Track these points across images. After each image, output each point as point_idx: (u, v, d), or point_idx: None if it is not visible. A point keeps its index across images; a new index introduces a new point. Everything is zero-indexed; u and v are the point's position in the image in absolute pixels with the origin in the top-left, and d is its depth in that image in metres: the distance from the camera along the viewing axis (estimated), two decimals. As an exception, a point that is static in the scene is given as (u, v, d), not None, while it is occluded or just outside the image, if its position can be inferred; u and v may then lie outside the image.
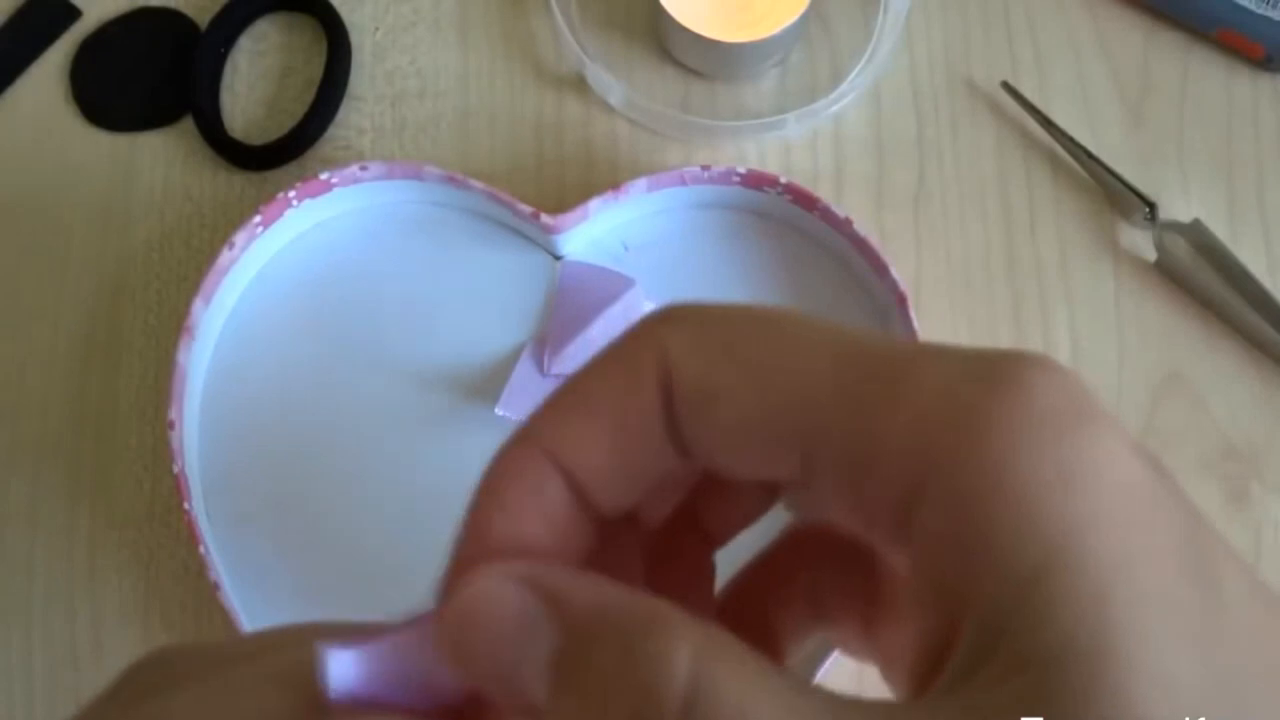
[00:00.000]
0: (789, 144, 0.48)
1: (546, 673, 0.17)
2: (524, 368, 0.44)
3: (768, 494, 0.22)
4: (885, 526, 0.17)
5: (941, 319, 0.46)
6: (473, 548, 0.19)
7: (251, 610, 0.41)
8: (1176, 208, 0.47)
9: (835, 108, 0.47)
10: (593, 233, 0.46)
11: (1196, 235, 0.46)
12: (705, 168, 0.44)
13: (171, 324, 0.45)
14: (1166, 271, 0.46)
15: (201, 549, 0.41)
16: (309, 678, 0.18)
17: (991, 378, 0.17)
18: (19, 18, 0.51)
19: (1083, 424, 0.16)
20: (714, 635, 0.16)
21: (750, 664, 0.16)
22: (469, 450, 0.44)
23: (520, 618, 0.17)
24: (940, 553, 0.16)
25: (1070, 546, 0.15)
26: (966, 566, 0.16)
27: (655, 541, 0.22)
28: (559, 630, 0.17)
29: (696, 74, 0.49)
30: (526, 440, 0.20)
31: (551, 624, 0.17)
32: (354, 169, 0.45)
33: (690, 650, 0.16)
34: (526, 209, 0.44)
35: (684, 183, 0.45)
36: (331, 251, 0.46)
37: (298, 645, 0.19)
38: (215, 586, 0.41)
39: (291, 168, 0.48)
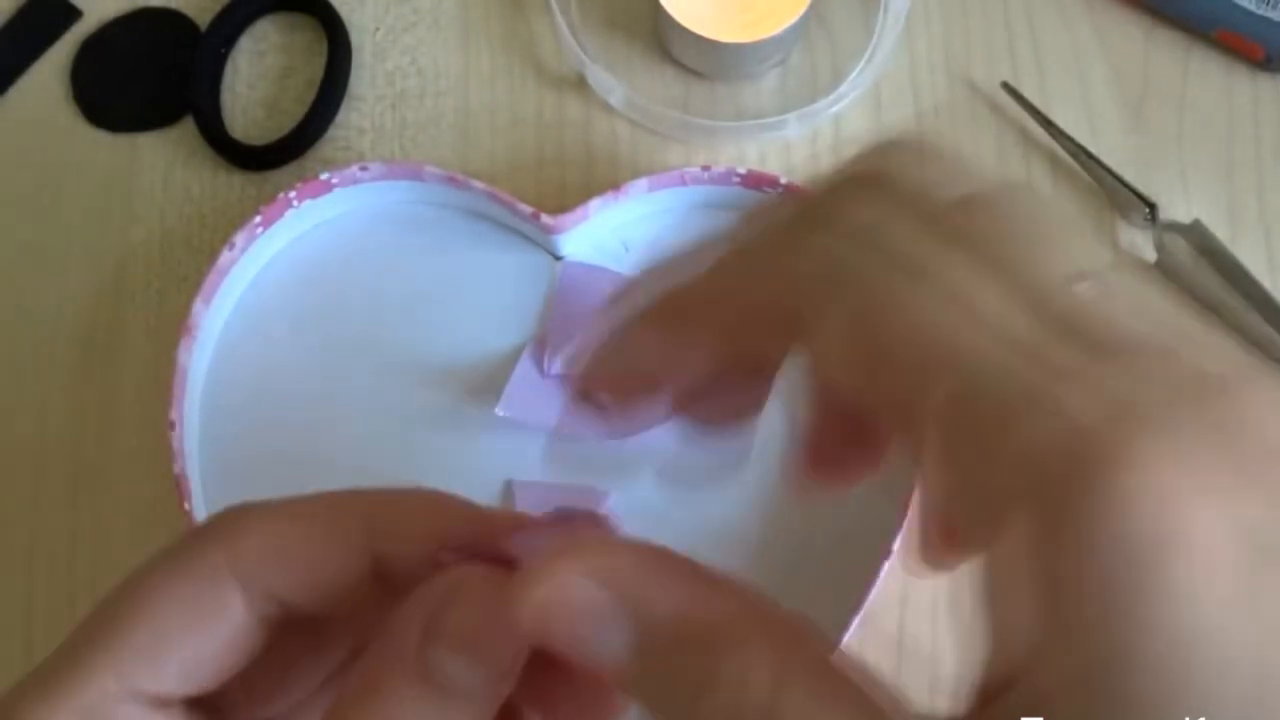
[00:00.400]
0: (789, 144, 0.48)
1: (624, 677, 0.17)
2: (524, 368, 0.44)
3: None
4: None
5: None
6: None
7: (251, 610, 0.41)
8: (1176, 208, 0.47)
9: (835, 108, 0.47)
10: (593, 233, 0.46)
11: (1197, 236, 0.46)
12: (705, 168, 0.44)
13: (171, 324, 0.45)
14: (1167, 272, 0.46)
15: (201, 549, 0.41)
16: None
17: (1107, 443, 0.15)
18: (19, 18, 0.51)
19: (1162, 563, 0.14)
20: (793, 651, 0.16)
21: (829, 682, 0.16)
22: (469, 450, 0.44)
23: (598, 620, 0.17)
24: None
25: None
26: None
27: None
28: (637, 636, 0.17)
29: (697, 74, 0.49)
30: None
31: (629, 629, 0.17)
32: (354, 169, 0.45)
33: (769, 670, 0.16)
34: (526, 209, 0.44)
35: (684, 183, 0.45)
36: (332, 251, 0.46)
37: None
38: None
39: (292, 168, 0.48)
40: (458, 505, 0.22)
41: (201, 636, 0.21)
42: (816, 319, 0.18)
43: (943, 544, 0.19)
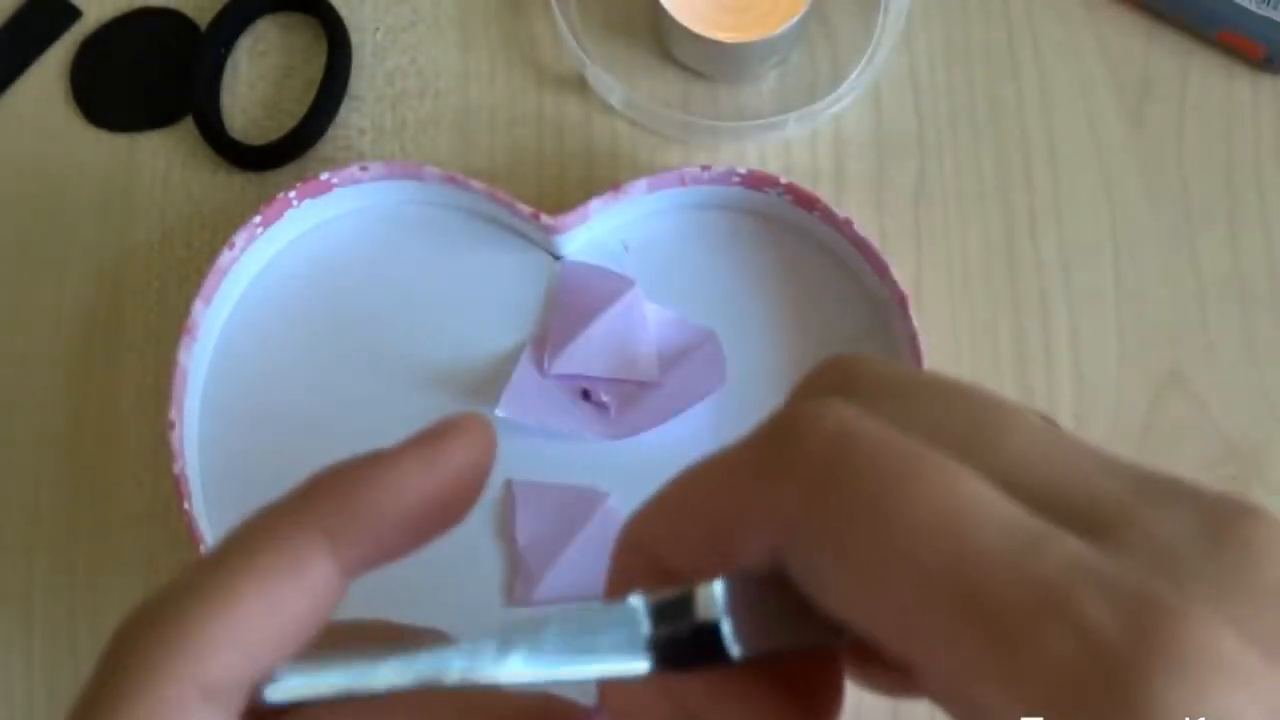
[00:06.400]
0: (789, 144, 0.48)
1: None
2: (524, 368, 0.44)
3: None
4: None
5: (942, 319, 0.46)
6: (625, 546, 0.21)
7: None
8: (1176, 208, 0.47)
9: (835, 108, 0.47)
10: (593, 233, 0.46)
11: (1196, 236, 0.46)
12: (705, 168, 0.44)
13: (171, 324, 0.45)
14: (1166, 272, 0.46)
15: (201, 549, 0.41)
16: None
17: (1131, 665, 0.14)
18: (19, 18, 0.51)
19: None
20: None
21: None
22: (469, 450, 0.44)
23: None
24: None
25: None
26: None
27: None
28: None
29: (697, 74, 0.49)
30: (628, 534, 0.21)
31: None
32: (354, 169, 0.45)
33: None
34: (526, 209, 0.44)
35: (684, 183, 0.45)
36: (332, 252, 0.46)
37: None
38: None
39: (291, 168, 0.48)
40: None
41: (284, 608, 0.20)
42: (799, 531, 0.18)
43: None
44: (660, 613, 0.18)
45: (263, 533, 0.20)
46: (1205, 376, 0.45)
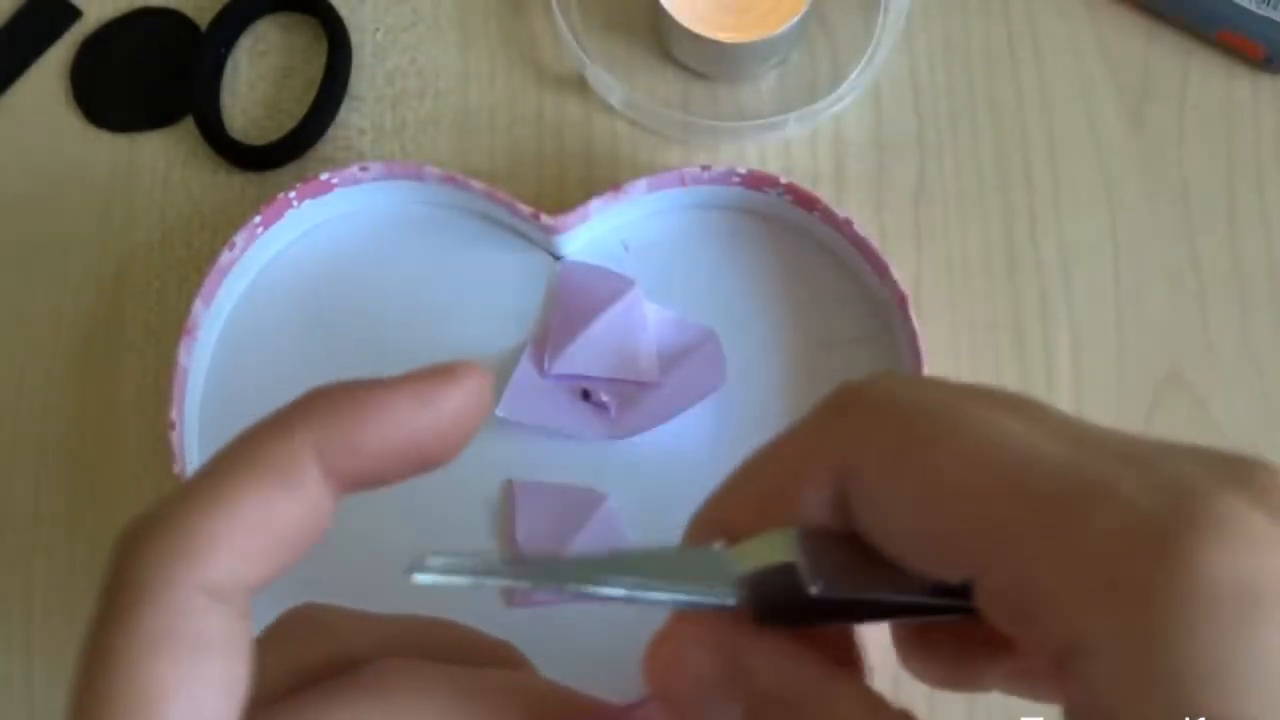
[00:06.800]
0: (789, 144, 0.48)
1: None
2: (524, 368, 0.44)
3: None
4: (1042, 659, 0.17)
5: (941, 319, 0.46)
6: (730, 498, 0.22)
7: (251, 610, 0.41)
8: (1176, 208, 0.47)
9: (835, 108, 0.47)
10: (593, 233, 0.46)
11: (1196, 236, 0.46)
12: (705, 168, 0.44)
13: (171, 324, 0.45)
14: (1166, 272, 0.46)
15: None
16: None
17: (1172, 534, 0.16)
18: (19, 18, 0.51)
19: (1260, 607, 0.16)
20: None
21: None
22: (469, 450, 0.44)
23: (709, 684, 0.20)
24: (1093, 711, 0.16)
25: None
26: None
27: None
28: (743, 701, 0.19)
29: (697, 74, 0.49)
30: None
31: (736, 694, 0.19)
32: (354, 169, 0.45)
33: None
34: (526, 209, 0.44)
35: (684, 183, 0.45)
36: (331, 252, 0.46)
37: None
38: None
39: (292, 168, 0.48)
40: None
41: (279, 514, 0.20)
42: (861, 459, 0.19)
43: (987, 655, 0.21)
44: (743, 555, 0.20)
45: (257, 444, 0.20)
46: (1205, 376, 0.45)
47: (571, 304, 0.45)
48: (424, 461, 0.21)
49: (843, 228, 0.44)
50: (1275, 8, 0.48)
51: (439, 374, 0.22)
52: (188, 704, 0.18)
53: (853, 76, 0.49)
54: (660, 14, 0.47)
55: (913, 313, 0.42)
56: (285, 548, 0.20)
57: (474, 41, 0.50)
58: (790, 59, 0.49)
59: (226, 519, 0.19)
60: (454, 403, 0.22)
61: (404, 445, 0.21)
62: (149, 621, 0.18)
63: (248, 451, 0.20)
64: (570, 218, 0.44)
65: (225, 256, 0.44)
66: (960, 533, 0.18)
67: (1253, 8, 0.48)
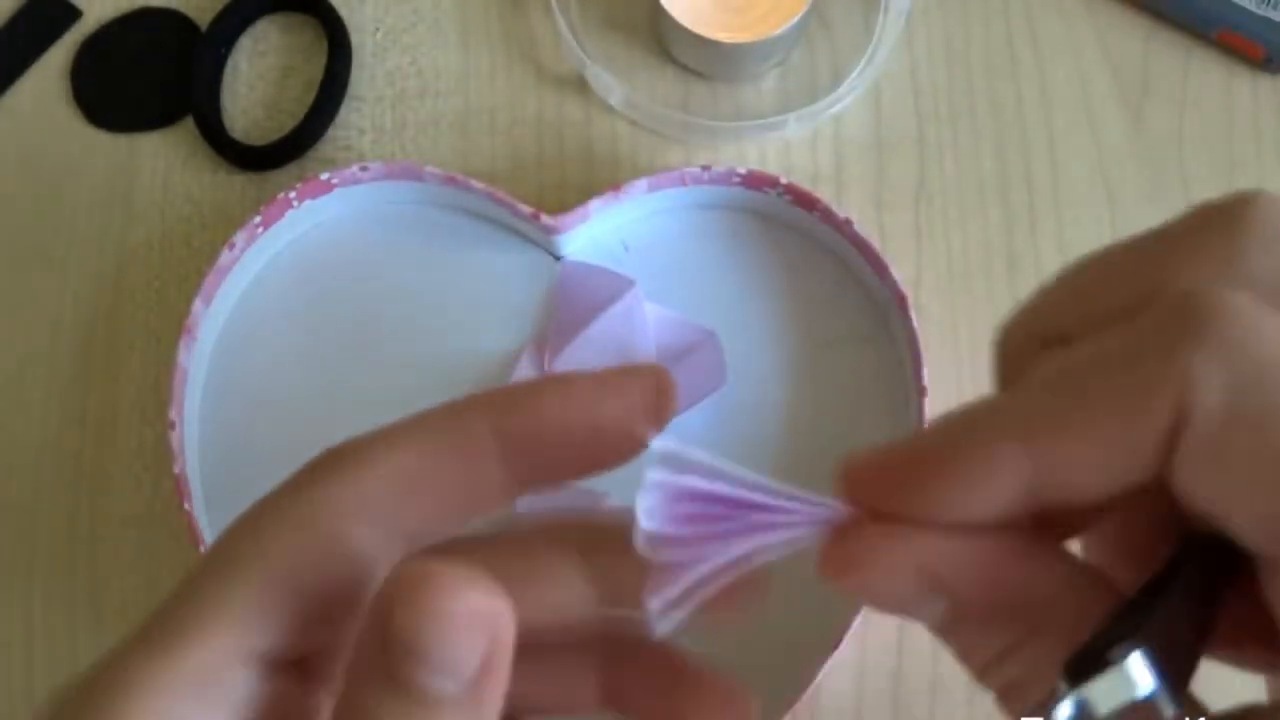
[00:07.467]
0: (789, 144, 0.48)
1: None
2: (524, 368, 0.44)
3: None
4: None
5: (941, 319, 0.46)
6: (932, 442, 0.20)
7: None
8: (1176, 208, 0.47)
9: (835, 108, 0.47)
10: (593, 233, 0.46)
11: (1196, 235, 0.46)
12: (705, 168, 0.44)
13: (171, 324, 0.45)
14: None
15: (201, 549, 0.41)
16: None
17: None
18: (19, 18, 0.51)
19: None
20: None
21: None
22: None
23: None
24: None
25: None
26: None
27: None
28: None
29: (697, 74, 0.49)
30: (1003, 419, 0.19)
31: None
32: (354, 169, 0.45)
33: None
34: (526, 209, 0.44)
35: (684, 183, 0.45)
36: (332, 252, 0.46)
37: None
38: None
39: (292, 168, 0.48)
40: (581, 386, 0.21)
41: (324, 588, 0.19)
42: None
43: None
44: (1096, 693, 0.16)
45: (433, 415, 0.21)
46: (1205, 376, 0.45)
47: (571, 304, 0.45)
48: (602, 455, 0.21)
49: (842, 227, 0.44)
50: (1275, 8, 0.48)
51: (623, 369, 0.21)
52: None
53: (853, 76, 0.49)
54: (660, 14, 0.47)
55: (912, 312, 0.42)
56: (447, 509, 0.21)
57: (474, 42, 0.50)
58: (790, 59, 0.49)
59: (397, 459, 0.20)
60: (636, 395, 0.21)
61: (583, 433, 0.21)
62: (310, 547, 0.20)
63: (421, 418, 0.21)
64: (570, 218, 0.44)
65: (225, 256, 0.44)
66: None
67: (1253, 8, 0.48)
